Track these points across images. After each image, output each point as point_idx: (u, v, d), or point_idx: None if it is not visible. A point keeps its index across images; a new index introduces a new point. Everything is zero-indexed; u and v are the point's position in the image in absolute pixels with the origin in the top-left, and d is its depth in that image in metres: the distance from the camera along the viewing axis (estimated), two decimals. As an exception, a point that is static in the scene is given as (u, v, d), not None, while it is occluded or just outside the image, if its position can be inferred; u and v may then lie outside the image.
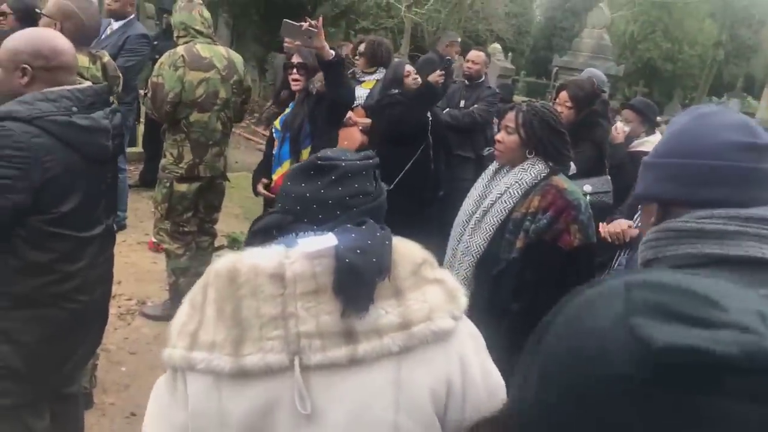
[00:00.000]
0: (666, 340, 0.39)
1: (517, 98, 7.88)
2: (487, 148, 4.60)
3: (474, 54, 4.68)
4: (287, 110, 3.31)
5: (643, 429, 0.40)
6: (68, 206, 1.67)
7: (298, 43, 2.91)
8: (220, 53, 3.43)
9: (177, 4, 3.45)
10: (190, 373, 0.82)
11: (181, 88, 3.24)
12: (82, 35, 2.42)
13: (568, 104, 3.33)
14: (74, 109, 1.68)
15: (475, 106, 4.45)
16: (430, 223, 4.11)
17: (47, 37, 1.74)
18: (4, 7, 4.46)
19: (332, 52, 2.97)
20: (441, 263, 0.95)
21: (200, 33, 3.34)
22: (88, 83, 1.81)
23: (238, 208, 5.76)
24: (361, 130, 4.15)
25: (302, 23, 2.90)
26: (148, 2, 10.24)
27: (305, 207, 0.92)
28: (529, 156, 2.06)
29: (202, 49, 3.32)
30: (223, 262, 0.85)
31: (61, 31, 2.25)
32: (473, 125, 4.43)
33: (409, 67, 4.05)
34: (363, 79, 4.37)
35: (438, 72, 4.06)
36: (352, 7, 11.35)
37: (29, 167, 1.58)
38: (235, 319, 0.80)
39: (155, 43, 5.30)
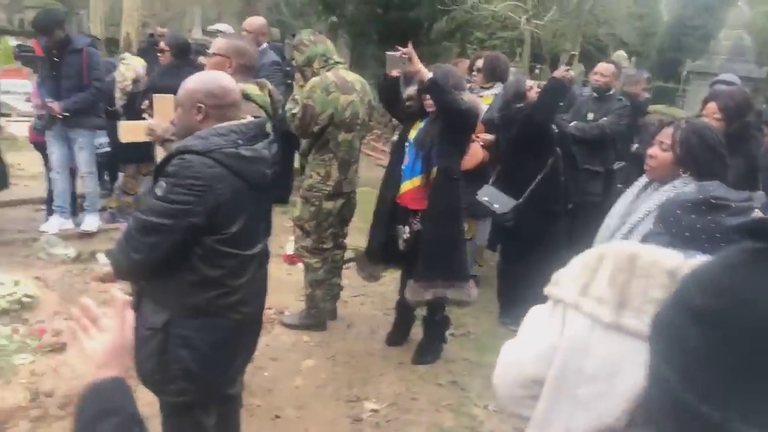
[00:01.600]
0: None
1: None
2: (617, 163, 4.48)
3: (603, 66, 4.59)
4: (418, 125, 3.42)
5: None
6: (236, 227, 1.89)
7: (396, 72, 3.19)
8: (356, 77, 3.69)
9: (305, 38, 3.66)
10: (574, 312, 0.97)
11: (334, 110, 3.48)
12: (250, 68, 2.68)
13: (718, 116, 3.12)
14: (240, 141, 1.90)
15: (604, 119, 4.35)
16: (559, 237, 4.07)
17: (218, 78, 1.98)
18: (163, 45, 5.02)
19: (430, 73, 3.16)
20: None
21: (338, 62, 3.61)
22: (250, 118, 2.03)
23: (361, 222, 5.99)
24: (482, 146, 4.21)
25: (397, 52, 3.17)
26: (273, 27, 10.94)
27: (694, 235, 1.07)
28: (682, 174, 2.02)
29: (345, 73, 3.58)
30: (624, 245, 1.03)
31: (233, 66, 2.53)
32: (601, 138, 4.33)
33: (530, 82, 4.06)
34: (481, 94, 4.42)
35: (564, 67, 4.06)
36: (468, 21, 11.41)
37: (205, 194, 1.81)
38: (623, 289, 0.93)
39: (288, 69, 5.69)
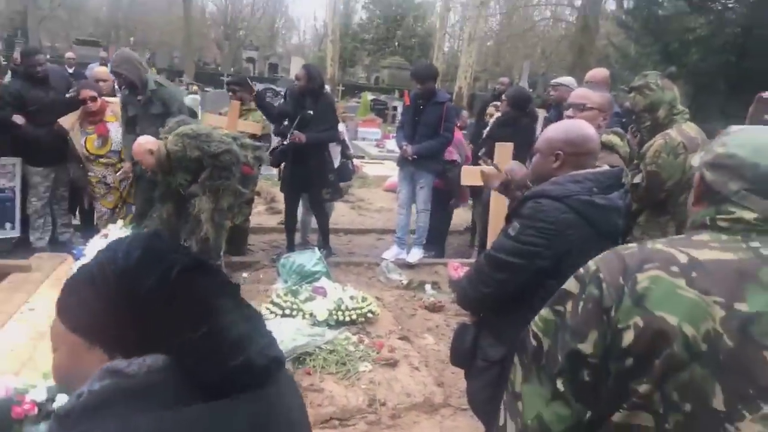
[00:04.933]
0: None
1: None
2: None
3: None
4: None
5: None
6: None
7: None
8: (697, 129, 3.34)
9: (652, 81, 3.36)
10: None
11: (681, 174, 3.15)
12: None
13: None
14: (595, 189, 1.90)
15: None
16: None
17: (579, 127, 2.03)
18: (503, 100, 5.35)
19: None
20: None
21: (684, 112, 3.31)
22: (606, 167, 2.03)
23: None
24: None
25: None
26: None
27: None
28: None
29: (688, 127, 3.27)
30: None
31: (607, 120, 2.61)
32: None
33: None
34: None
35: None
36: None
37: (555, 238, 1.85)
38: None
39: (623, 120, 5.50)
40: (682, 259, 1.11)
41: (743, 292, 1.06)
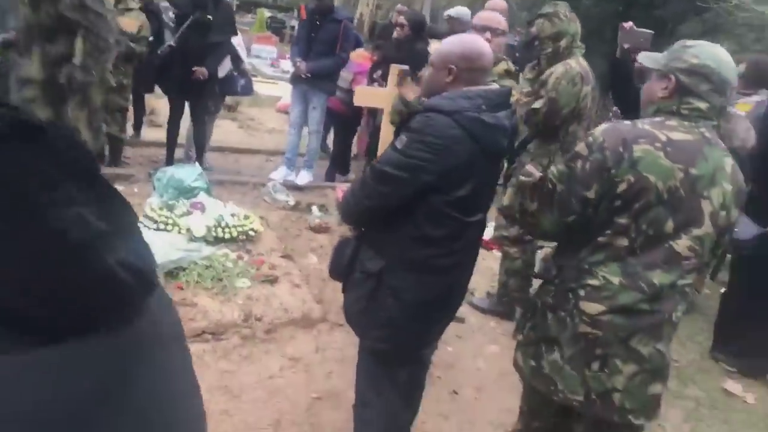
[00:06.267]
0: None
1: None
2: None
3: None
4: None
5: None
6: (463, 192, 1.88)
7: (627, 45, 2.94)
8: (587, 64, 3.45)
9: (562, 11, 3.37)
10: None
11: (576, 103, 3.30)
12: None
13: None
14: (483, 107, 1.89)
15: None
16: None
17: (474, 42, 1.99)
18: (402, 19, 5.23)
19: None
20: None
21: (580, 46, 3.39)
22: (496, 86, 2.01)
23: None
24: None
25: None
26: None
27: None
28: None
29: (584, 61, 3.37)
30: None
31: (492, 41, 2.56)
32: None
33: None
34: (738, 101, 3.90)
35: None
36: (720, 26, 10.21)
37: (442, 153, 1.83)
38: None
39: (516, 54, 5.59)
40: (662, 137, 1.67)
41: (695, 161, 1.67)
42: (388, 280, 1.97)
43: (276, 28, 17.96)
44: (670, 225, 1.67)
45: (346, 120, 5.91)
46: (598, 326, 1.71)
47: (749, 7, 8.48)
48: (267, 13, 18.86)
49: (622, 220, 1.67)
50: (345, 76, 5.61)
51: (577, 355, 1.75)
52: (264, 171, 6.04)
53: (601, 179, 1.66)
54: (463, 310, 3.91)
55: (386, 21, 9.31)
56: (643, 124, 1.71)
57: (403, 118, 1.98)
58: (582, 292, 1.73)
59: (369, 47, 6.19)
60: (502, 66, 2.87)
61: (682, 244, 1.68)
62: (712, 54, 1.71)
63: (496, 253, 4.81)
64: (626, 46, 3.10)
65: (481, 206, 2.03)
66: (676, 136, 1.68)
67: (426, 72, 2.06)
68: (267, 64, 12.78)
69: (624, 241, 1.68)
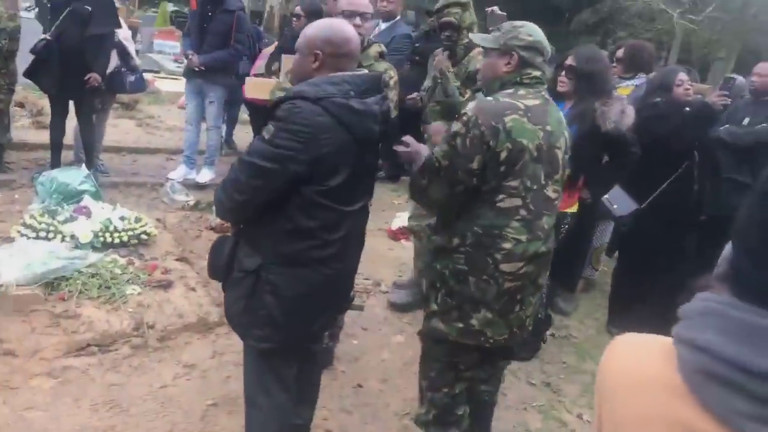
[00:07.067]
0: None
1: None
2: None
3: (763, 66, 4.06)
4: None
5: None
6: (336, 181, 1.83)
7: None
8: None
9: (470, 1, 3.43)
10: None
11: None
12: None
13: None
14: (352, 93, 1.83)
15: (763, 125, 3.85)
16: (686, 252, 3.68)
17: (339, 27, 1.92)
18: (298, 9, 5.12)
19: None
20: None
21: None
22: (365, 71, 1.96)
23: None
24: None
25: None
26: (410, 10, 10.87)
27: None
28: None
29: None
30: None
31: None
32: (756, 146, 3.85)
33: (683, 76, 3.65)
34: (619, 84, 4.07)
35: (718, 92, 3.64)
36: (614, 16, 10.71)
37: (310, 142, 1.76)
38: None
39: (416, 45, 5.60)
40: (521, 106, 1.96)
41: (547, 120, 2.00)
42: (266, 276, 1.89)
43: (180, 22, 17.24)
44: (542, 176, 1.99)
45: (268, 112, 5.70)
46: (518, 279, 2.02)
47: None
48: (171, 7, 18.09)
49: (512, 183, 1.95)
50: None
51: (503, 307, 2.04)
52: (164, 171, 5.76)
53: (482, 151, 1.91)
54: (371, 302, 3.89)
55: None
56: (503, 98, 1.99)
57: (270, 107, 1.89)
58: (499, 256, 1.98)
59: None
60: (375, 48, 2.83)
61: (551, 189, 2.03)
62: (539, 32, 2.07)
63: (405, 243, 4.82)
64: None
65: (358, 195, 1.98)
66: (530, 102, 1.99)
67: (295, 58, 1.98)
68: (170, 59, 12.26)
69: (518, 201, 1.97)
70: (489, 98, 2.01)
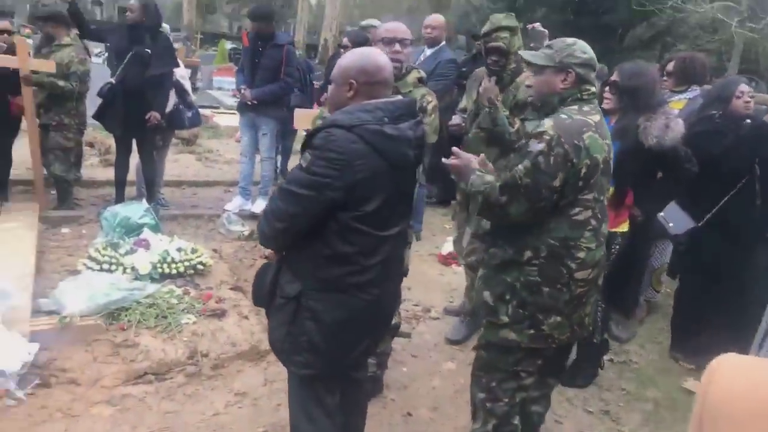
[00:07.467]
0: None
1: None
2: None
3: None
4: None
5: None
6: (372, 206, 1.84)
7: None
8: None
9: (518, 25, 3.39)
10: None
11: None
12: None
13: None
14: (385, 119, 1.85)
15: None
16: (756, 272, 3.48)
17: (372, 56, 1.96)
18: (345, 41, 5.23)
19: None
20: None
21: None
22: (399, 97, 1.98)
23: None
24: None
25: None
26: (460, 35, 10.97)
27: None
28: None
29: None
30: None
31: None
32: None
33: (744, 87, 3.48)
34: (671, 99, 3.93)
35: None
36: (672, 29, 10.41)
37: (345, 169, 1.78)
38: None
39: (463, 69, 5.62)
40: (593, 123, 2.08)
41: (606, 134, 2.14)
42: (306, 302, 1.91)
43: (238, 59, 17.97)
44: (604, 187, 2.16)
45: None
46: (587, 284, 2.17)
47: (686, 7, 8.67)
48: (229, 45, 18.90)
49: (587, 196, 2.08)
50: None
51: (572, 311, 2.18)
52: (222, 203, 5.95)
53: (566, 169, 2.01)
54: (421, 328, 3.85)
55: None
56: (575, 115, 2.10)
57: (308, 136, 1.93)
58: (574, 265, 2.12)
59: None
60: (414, 75, 2.84)
61: (606, 199, 2.21)
62: (590, 49, 2.18)
63: (456, 268, 4.78)
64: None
65: (395, 219, 1.98)
66: (595, 118, 2.12)
67: (330, 88, 2.02)
68: (228, 94, 12.76)
69: (589, 213, 2.11)
70: (563, 116, 2.09)
